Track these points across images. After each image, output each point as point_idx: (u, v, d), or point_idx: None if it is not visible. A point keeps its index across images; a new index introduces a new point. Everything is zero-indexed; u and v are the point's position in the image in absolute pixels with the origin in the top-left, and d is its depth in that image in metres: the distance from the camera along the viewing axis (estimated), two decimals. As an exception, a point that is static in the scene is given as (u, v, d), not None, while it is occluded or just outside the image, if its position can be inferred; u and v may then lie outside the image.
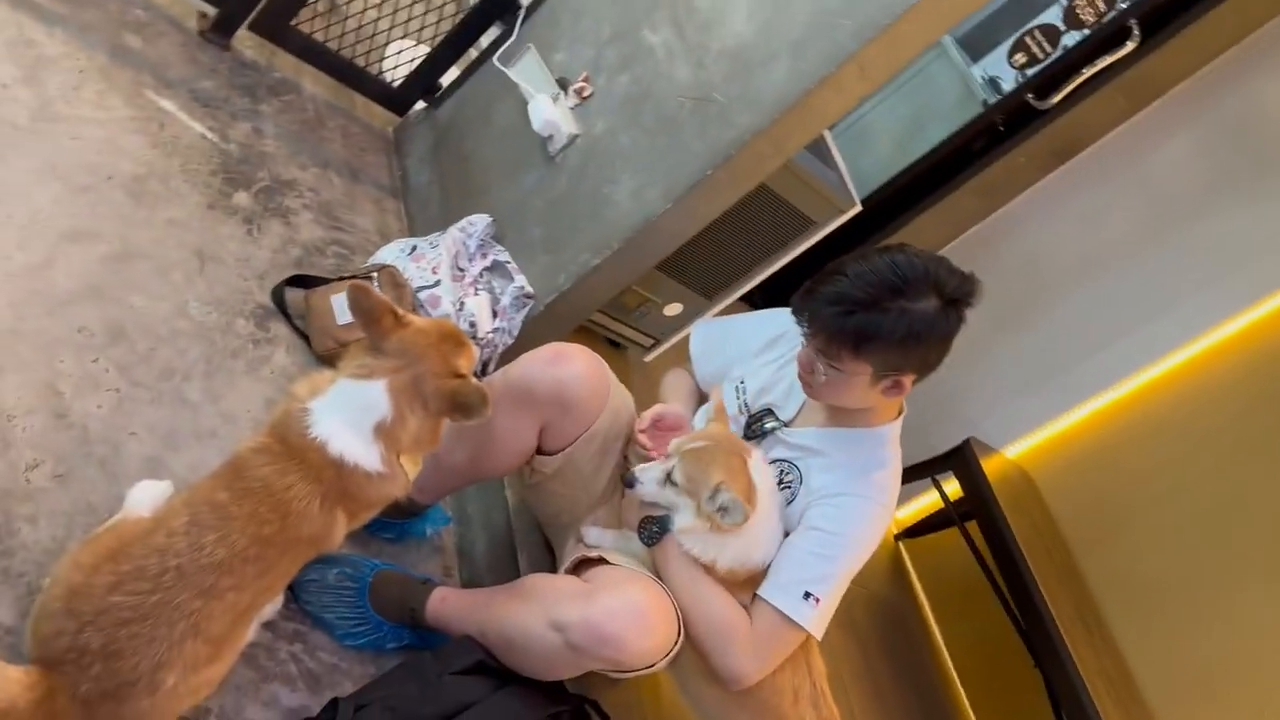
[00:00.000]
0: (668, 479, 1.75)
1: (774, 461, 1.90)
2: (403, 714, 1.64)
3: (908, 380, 1.74)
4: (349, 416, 1.50)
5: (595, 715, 1.88)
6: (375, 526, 2.04)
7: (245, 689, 1.68)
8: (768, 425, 1.94)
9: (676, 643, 1.73)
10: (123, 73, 2.31)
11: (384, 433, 1.52)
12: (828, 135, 2.82)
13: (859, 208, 2.72)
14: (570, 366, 1.83)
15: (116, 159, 2.14)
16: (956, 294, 1.67)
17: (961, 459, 3.19)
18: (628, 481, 1.79)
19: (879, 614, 3.42)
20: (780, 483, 1.86)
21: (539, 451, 1.94)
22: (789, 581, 1.75)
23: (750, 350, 2.08)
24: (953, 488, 3.34)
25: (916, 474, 3.42)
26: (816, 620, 1.74)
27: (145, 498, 1.62)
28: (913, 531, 3.77)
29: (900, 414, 1.91)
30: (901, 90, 4.04)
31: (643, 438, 1.89)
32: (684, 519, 1.75)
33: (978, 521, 3.16)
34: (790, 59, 2.02)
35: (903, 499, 3.74)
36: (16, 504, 1.58)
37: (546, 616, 1.68)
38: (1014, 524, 3.03)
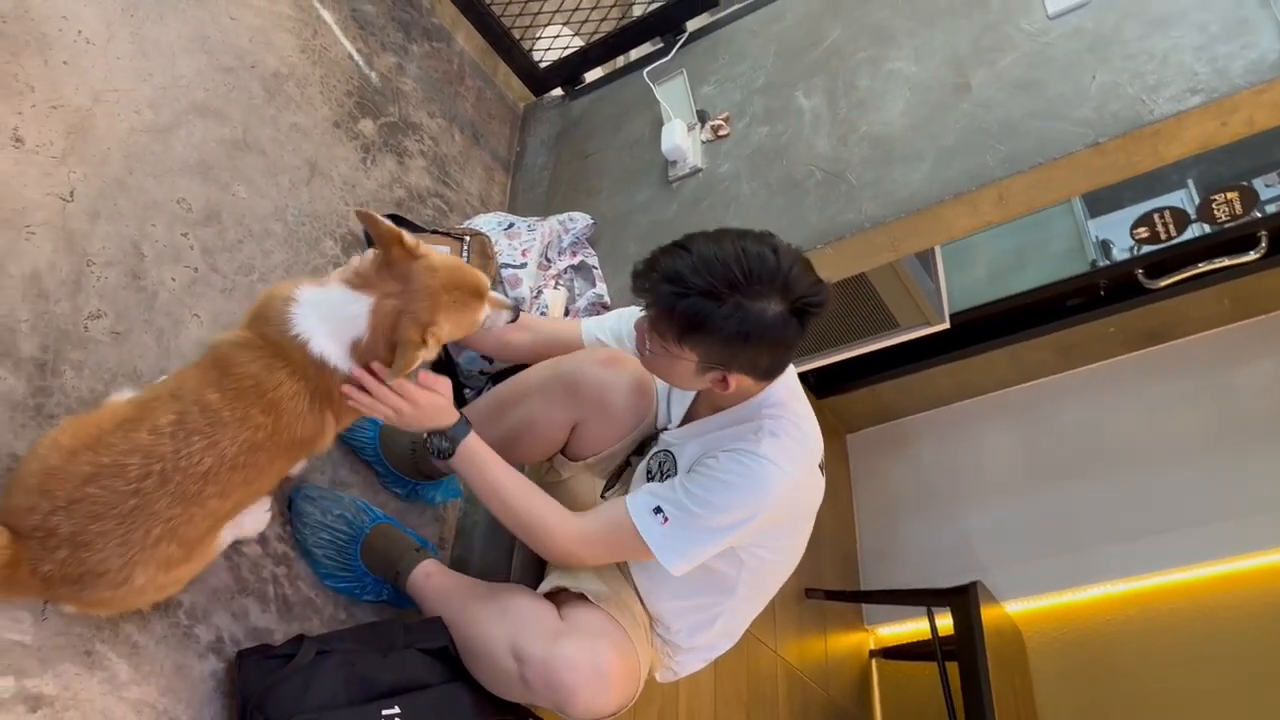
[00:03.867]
0: None
1: (653, 455, 1.82)
2: (360, 672, 1.63)
3: (734, 379, 1.59)
4: (330, 321, 1.45)
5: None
6: (389, 479, 2.03)
7: (220, 594, 1.67)
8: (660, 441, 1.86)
9: (630, 703, 1.71)
10: (296, -28, 2.35)
11: (358, 351, 1.48)
12: (937, 247, 2.81)
13: (946, 325, 2.70)
14: (622, 374, 1.82)
15: (264, 51, 2.17)
16: (803, 302, 1.52)
17: (963, 599, 3.14)
18: None
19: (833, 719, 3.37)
20: (659, 474, 1.77)
21: (563, 452, 1.92)
22: (645, 492, 1.68)
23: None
24: (944, 623, 3.28)
25: (911, 600, 3.37)
26: (661, 538, 1.62)
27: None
28: (889, 653, 3.71)
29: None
30: (1014, 224, 4.02)
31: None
32: None
33: (959, 664, 3.10)
34: (934, 164, 2.01)
35: (890, 620, 3.73)
36: (70, 347, 1.59)
37: (511, 641, 1.67)
38: (994, 679, 2.97)
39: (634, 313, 1.94)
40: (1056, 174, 1.91)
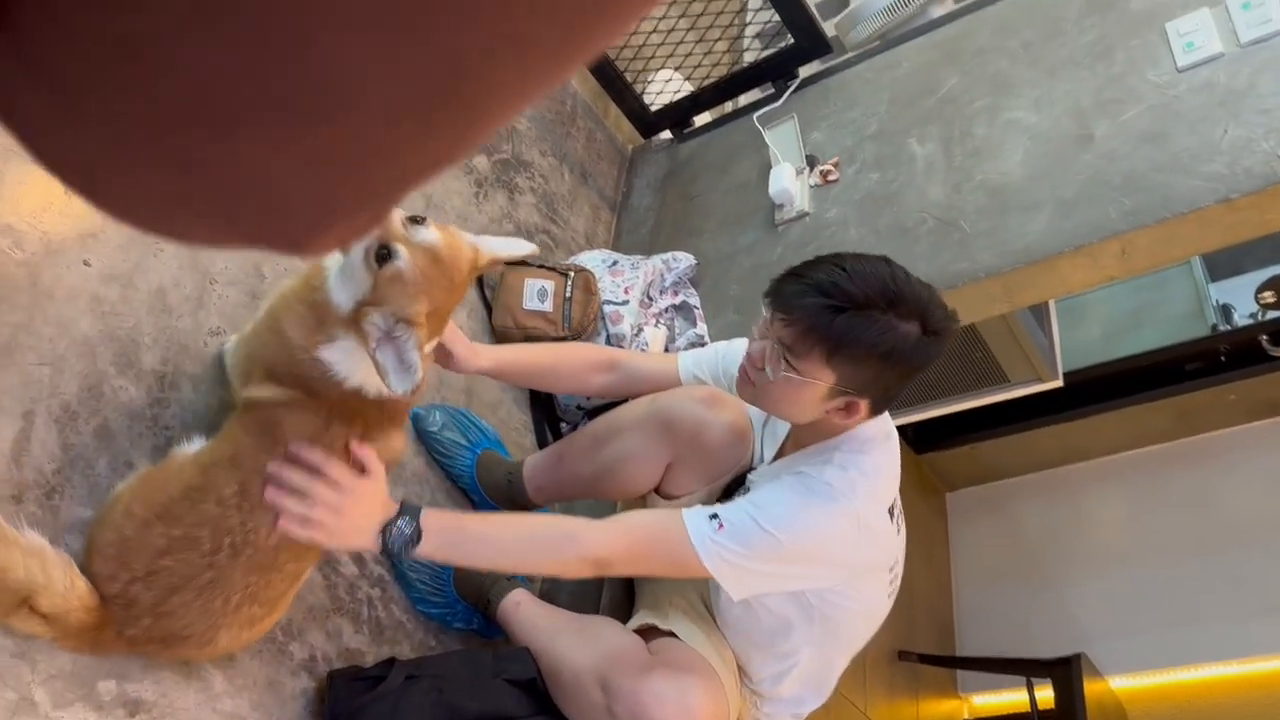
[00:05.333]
0: None
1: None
2: (448, 699, 1.63)
3: (861, 406, 1.54)
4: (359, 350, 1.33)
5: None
6: (484, 508, 2.04)
7: (316, 613, 1.69)
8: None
9: None
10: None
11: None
12: (1052, 302, 2.73)
13: (1059, 382, 2.61)
14: (722, 414, 1.79)
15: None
16: (939, 327, 1.48)
17: (1065, 671, 3.00)
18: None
19: (921, 792, 3.24)
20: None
21: (657, 490, 1.90)
22: (703, 506, 1.58)
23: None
24: (1044, 695, 3.13)
25: (1010, 669, 3.23)
26: (711, 544, 1.50)
27: None
28: (981, 723, 3.57)
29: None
30: (1132, 283, 3.89)
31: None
32: None
33: (1060, 740, 2.96)
34: (1053, 215, 1.95)
35: (986, 689, 3.58)
36: (188, 361, 1.64)
37: (599, 673, 1.64)
38: (1097, 758, 2.83)
39: (733, 348, 1.91)
40: (1184, 229, 1.84)
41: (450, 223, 2.25)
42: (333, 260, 1.34)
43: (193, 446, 1.43)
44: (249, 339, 1.48)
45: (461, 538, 1.51)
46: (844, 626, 1.74)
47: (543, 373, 1.96)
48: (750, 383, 1.59)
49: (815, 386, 1.51)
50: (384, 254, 1.27)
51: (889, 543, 1.64)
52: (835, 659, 1.80)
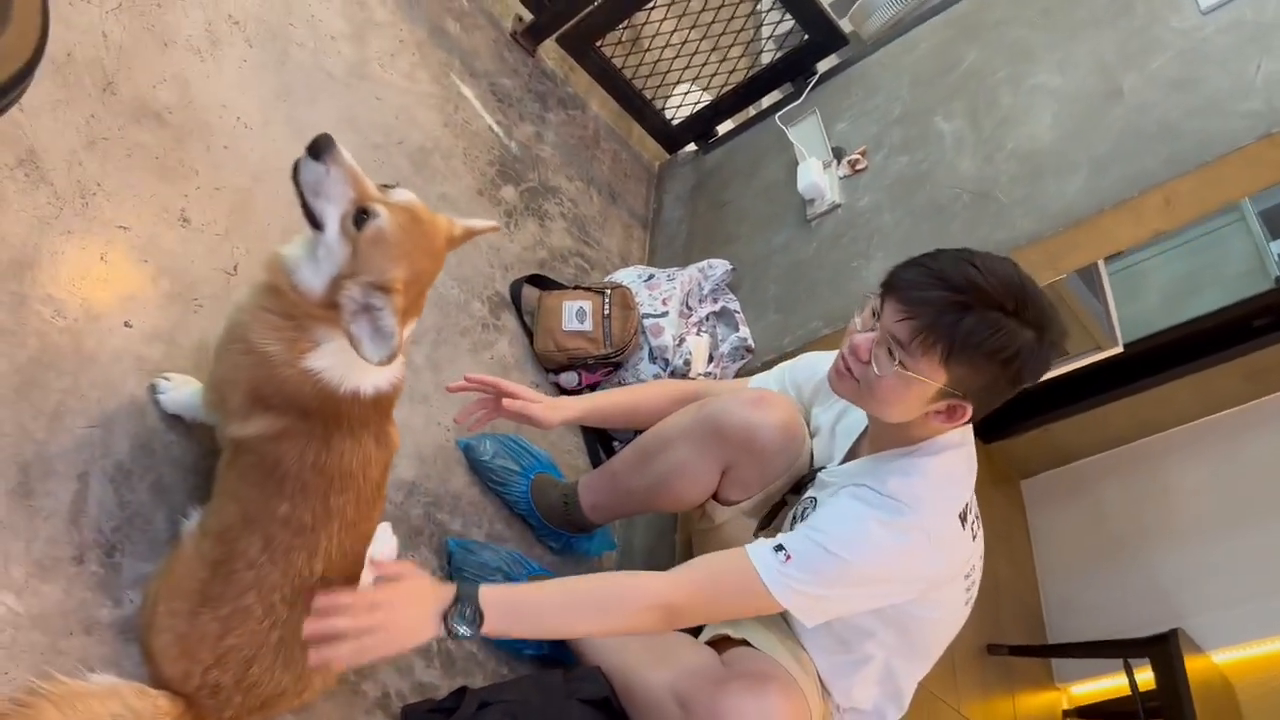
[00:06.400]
0: None
1: (805, 498, 1.69)
2: (521, 723, 1.61)
3: (968, 411, 1.45)
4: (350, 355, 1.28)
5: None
6: (543, 533, 2.03)
7: (385, 649, 1.69)
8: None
9: None
10: (436, 52, 2.46)
11: None
12: (1102, 267, 2.65)
13: (1120, 349, 2.52)
14: (770, 415, 1.75)
15: (409, 128, 2.27)
16: (1056, 338, 1.40)
17: (1164, 649, 2.88)
18: None
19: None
20: (801, 520, 1.62)
21: (715, 497, 1.87)
22: (765, 539, 1.50)
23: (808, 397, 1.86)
24: (1144, 677, 3.01)
25: (1105, 652, 3.12)
26: (780, 575, 1.43)
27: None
28: (1085, 713, 3.43)
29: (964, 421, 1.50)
30: (1187, 246, 3.78)
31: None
32: None
33: (1165, 718, 2.83)
34: (1089, 173, 1.90)
35: (1083, 676, 3.45)
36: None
37: (674, 688, 1.60)
38: (1206, 733, 2.70)
39: (799, 364, 1.89)
40: (1227, 171, 1.77)
41: (483, 254, 2.27)
42: (291, 248, 1.31)
43: (194, 519, 1.41)
44: (218, 368, 1.39)
45: (523, 611, 1.43)
46: (919, 635, 1.68)
47: (626, 413, 1.96)
48: (851, 377, 1.50)
49: (925, 386, 1.42)
50: (363, 216, 1.24)
51: (963, 550, 1.56)
52: (912, 667, 1.73)
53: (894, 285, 1.44)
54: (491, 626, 1.37)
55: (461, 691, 1.63)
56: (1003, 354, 1.37)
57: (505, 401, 1.80)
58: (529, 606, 1.44)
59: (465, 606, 1.35)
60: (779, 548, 1.46)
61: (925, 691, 2.83)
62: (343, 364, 1.31)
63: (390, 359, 1.26)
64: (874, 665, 1.68)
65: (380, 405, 1.39)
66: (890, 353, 1.42)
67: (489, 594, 1.37)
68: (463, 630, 1.34)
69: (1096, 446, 3.93)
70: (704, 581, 1.49)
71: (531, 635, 1.47)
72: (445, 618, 1.34)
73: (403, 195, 1.31)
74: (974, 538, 1.57)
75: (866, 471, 1.55)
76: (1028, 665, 3.37)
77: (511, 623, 1.41)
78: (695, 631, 1.87)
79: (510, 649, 1.87)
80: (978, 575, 1.67)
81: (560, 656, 1.88)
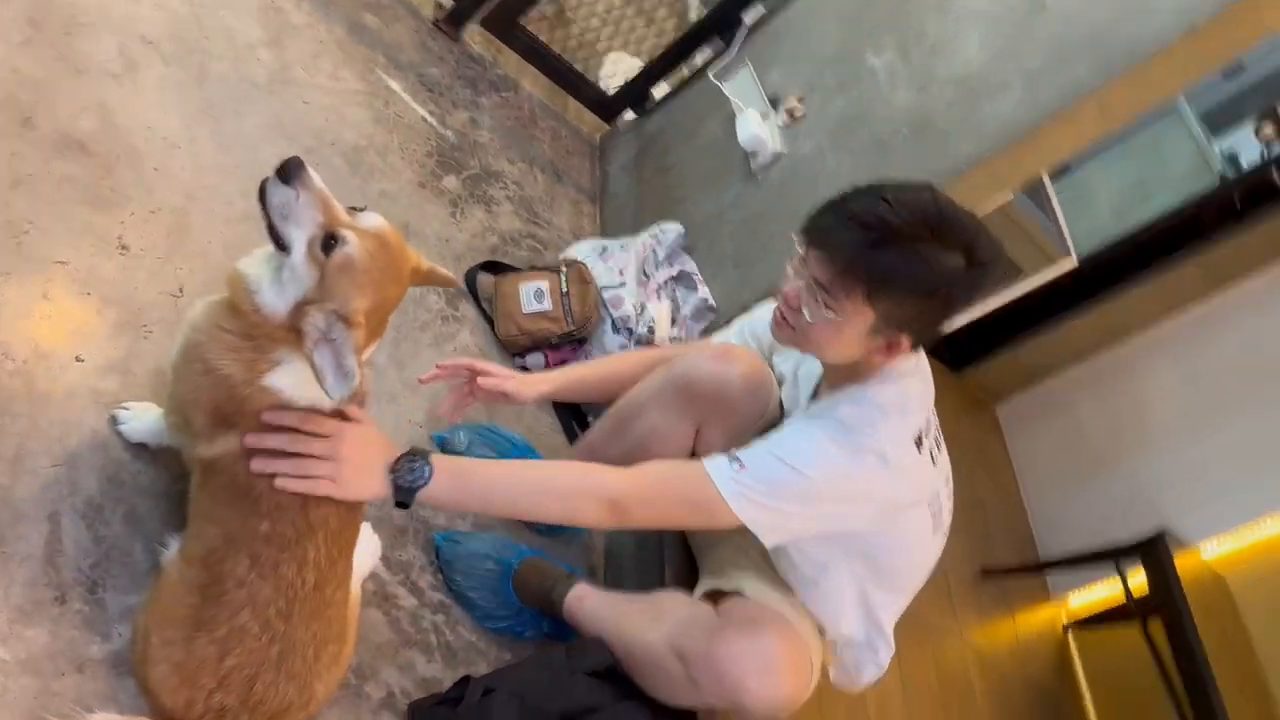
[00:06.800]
0: None
1: None
2: (530, 705, 1.61)
3: (904, 342, 1.46)
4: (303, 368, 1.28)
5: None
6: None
7: (384, 650, 1.69)
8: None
9: (806, 693, 1.64)
10: (358, 49, 2.43)
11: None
12: (1049, 183, 2.67)
13: (1074, 261, 2.55)
14: (736, 367, 1.74)
15: (340, 128, 2.24)
16: (985, 257, 1.39)
17: (1153, 550, 2.93)
18: None
19: (1037, 701, 3.18)
20: None
21: (692, 456, 1.87)
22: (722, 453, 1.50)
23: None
24: (1138, 581, 3.06)
25: (1096, 560, 3.16)
26: (734, 484, 1.43)
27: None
28: (1084, 623, 3.49)
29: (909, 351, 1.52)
30: (1129, 154, 3.81)
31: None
32: None
33: (1162, 620, 2.88)
34: (1023, 90, 1.91)
35: (1079, 587, 3.50)
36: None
37: (671, 643, 1.62)
38: (1202, 627, 2.75)
39: (755, 315, 1.90)
40: (1155, 70, 1.79)
41: (434, 246, 2.25)
42: (254, 267, 1.28)
43: (174, 547, 1.39)
44: (177, 389, 1.35)
45: (473, 480, 1.46)
46: (889, 564, 1.69)
47: (599, 383, 1.95)
48: (788, 325, 1.52)
49: (855, 326, 1.43)
50: (331, 242, 1.22)
51: (920, 475, 1.56)
52: (887, 599, 1.74)
53: (810, 231, 1.45)
54: (439, 486, 1.38)
55: (465, 680, 1.63)
56: (924, 285, 1.38)
57: (480, 380, 1.79)
58: (479, 478, 1.46)
59: (416, 460, 1.37)
60: (734, 458, 1.47)
61: (926, 623, 2.88)
62: (303, 381, 1.29)
63: (350, 395, 1.25)
64: (850, 593, 1.70)
65: (344, 416, 1.38)
66: (817, 298, 1.43)
67: (439, 460, 1.40)
68: (410, 479, 1.36)
69: (1065, 363, 3.97)
70: (657, 482, 1.51)
71: (477, 508, 1.48)
72: (394, 470, 1.36)
73: (372, 220, 1.29)
74: (934, 463, 1.58)
75: (820, 407, 1.56)
76: (1023, 584, 3.42)
77: (459, 487, 1.43)
78: (694, 581, 1.88)
79: (509, 632, 1.87)
80: (946, 503, 1.68)
81: (561, 634, 1.88)
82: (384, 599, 1.74)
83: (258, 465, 1.27)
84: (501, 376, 1.81)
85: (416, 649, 1.73)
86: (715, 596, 1.80)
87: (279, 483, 1.29)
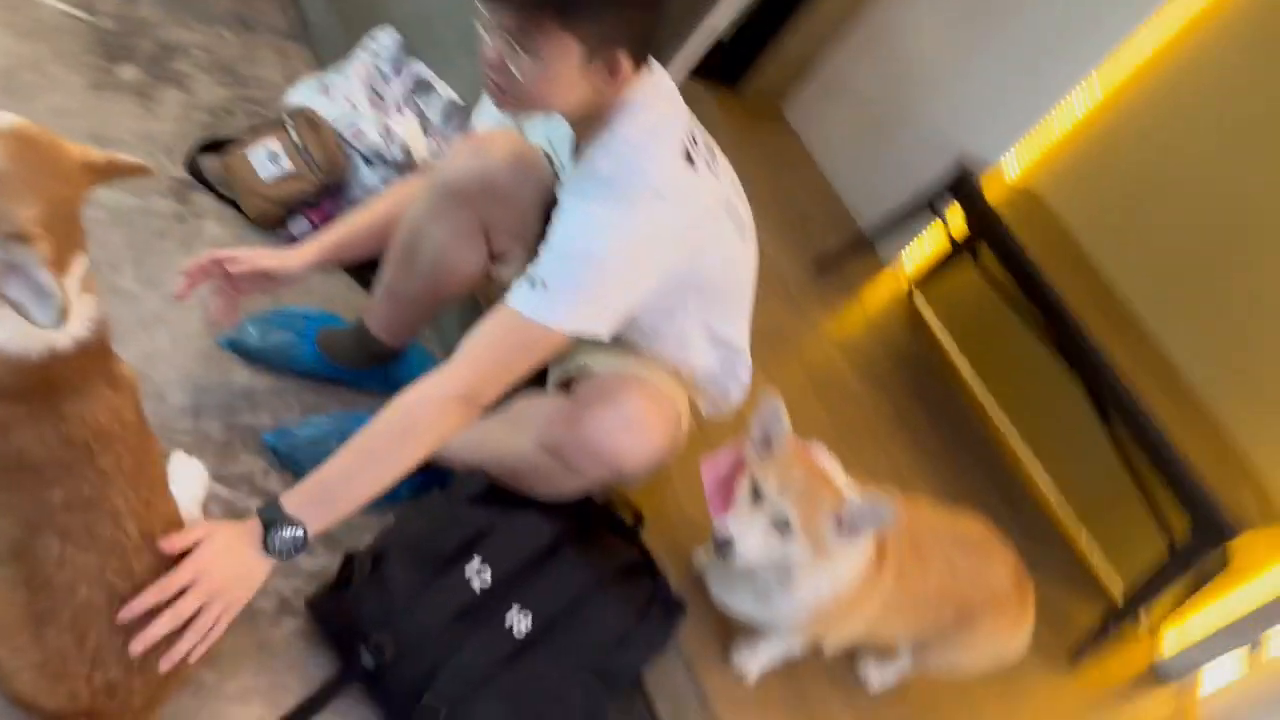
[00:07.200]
0: (775, 526, 1.49)
1: None
2: (423, 552, 1.57)
3: (622, 60, 1.39)
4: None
5: (626, 514, 1.82)
6: (355, 380, 1.93)
7: (259, 565, 1.60)
8: None
9: (682, 438, 1.66)
10: (-47, -39, 2.08)
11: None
12: None
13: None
14: (492, 151, 1.65)
15: (-28, 55, 1.94)
16: None
17: (961, 185, 3.02)
18: (719, 543, 1.49)
19: (904, 366, 3.34)
20: None
21: (493, 260, 1.79)
22: (518, 283, 1.45)
23: None
24: (958, 224, 3.19)
25: (910, 212, 3.25)
26: (547, 304, 1.39)
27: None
28: (924, 279, 3.64)
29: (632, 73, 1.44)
30: None
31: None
32: (800, 553, 1.51)
33: (989, 247, 3.02)
34: None
35: (906, 244, 3.61)
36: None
37: (540, 442, 1.61)
38: (1023, 238, 2.89)
39: (485, 99, 1.76)
40: None
41: (137, 148, 2.01)
42: None
43: None
44: None
45: (334, 493, 1.36)
46: (714, 285, 1.66)
47: (370, 229, 1.81)
48: (503, 92, 1.42)
49: (565, 62, 1.35)
50: None
51: (703, 189, 1.50)
52: (728, 316, 1.74)
53: None
54: (316, 526, 1.33)
55: (349, 559, 1.57)
56: None
57: (230, 269, 1.64)
58: (335, 484, 1.37)
59: (279, 528, 1.30)
60: (530, 283, 1.41)
61: (780, 333, 2.94)
62: (21, 330, 1.10)
63: (63, 316, 1.07)
64: (693, 329, 1.69)
65: (89, 352, 1.22)
66: (516, 49, 1.33)
67: (291, 501, 1.32)
68: (291, 546, 1.30)
69: (828, 41, 3.95)
70: (482, 354, 1.44)
71: (361, 503, 1.38)
72: (271, 551, 1.29)
73: (4, 117, 1.07)
74: (712, 173, 1.53)
75: (579, 172, 1.48)
76: (858, 264, 3.50)
77: (330, 510, 1.35)
78: (540, 387, 1.84)
79: (387, 500, 1.80)
80: (742, 208, 1.63)
81: (435, 480, 1.83)
82: (238, 515, 1.63)
83: (166, 666, 1.22)
84: (252, 257, 1.67)
85: (294, 549, 1.66)
86: (567, 384, 1.77)
87: (192, 660, 1.23)
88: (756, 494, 1.50)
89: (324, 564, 1.65)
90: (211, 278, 1.67)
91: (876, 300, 3.57)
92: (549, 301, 1.39)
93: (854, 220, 3.70)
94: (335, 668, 1.54)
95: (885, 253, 3.68)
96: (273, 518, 1.30)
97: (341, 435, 1.75)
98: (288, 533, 1.30)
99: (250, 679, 1.47)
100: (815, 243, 3.39)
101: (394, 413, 1.41)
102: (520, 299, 1.41)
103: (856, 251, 3.39)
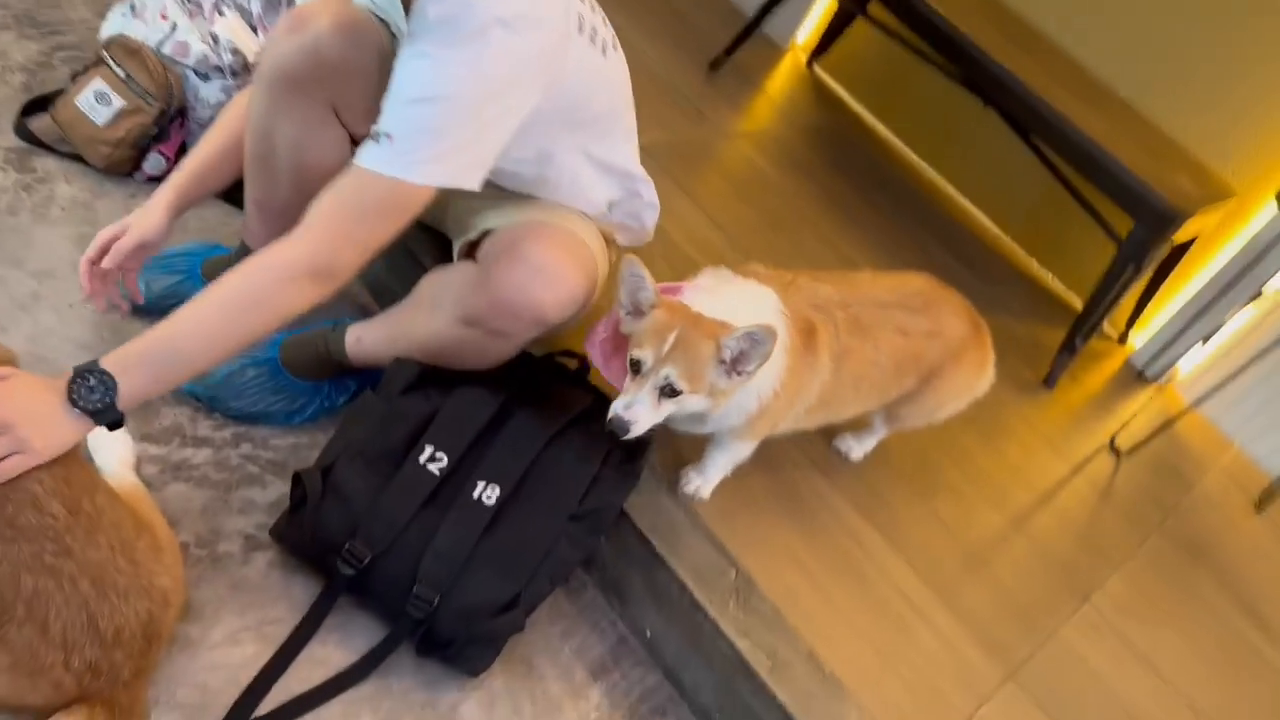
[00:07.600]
0: (663, 392, 1.42)
1: None
2: (371, 454, 1.53)
3: None
4: None
5: (570, 361, 1.78)
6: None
7: (212, 508, 1.57)
8: None
9: (601, 272, 1.62)
10: None
11: None
12: None
13: None
14: (314, 25, 1.52)
15: None
16: None
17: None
18: (616, 430, 1.42)
19: (821, 145, 3.26)
20: None
21: (354, 141, 1.67)
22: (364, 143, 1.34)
23: None
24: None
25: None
26: (398, 157, 1.29)
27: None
28: (820, 50, 3.51)
29: None
30: None
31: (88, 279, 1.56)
32: (698, 404, 1.46)
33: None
34: None
35: (793, 17, 3.46)
36: None
37: (458, 315, 1.55)
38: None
39: None
40: None
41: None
42: None
43: None
44: None
45: (159, 355, 1.25)
46: (588, 115, 1.56)
47: (222, 157, 1.69)
48: None
49: None
50: None
51: (546, 8, 1.36)
52: (612, 143, 1.66)
53: None
54: (132, 383, 1.21)
55: (296, 478, 1.53)
56: None
57: (107, 260, 1.57)
58: (163, 348, 1.25)
59: (88, 379, 1.18)
60: (378, 136, 1.30)
61: (687, 141, 2.84)
62: None
63: None
64: (580, 164, 1.61)
65: None
66: None
67: (111, 358, 1.20)
68: (96, 399, 1.18)
69: None
70: (334, 220, 1.32)
71: (186, 376, 1.28)
72: (75, 402, 1.17)
73: None
74: None
75: (413, 26, 1.34)
76: (751, 55, 3.36)
77: (152, 374, 1.24)
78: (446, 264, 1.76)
79: (323, 412, 1.78)
80: (594, 18, 1.49)
81: (366, 383, 1.77)
82: (176, 469, 1.59)
83: None
84: (117, 232, 1.57)
85: (244, 486, 1.62)
86: (471, 251, 1.70)
87: None
88: (637, 366, 1.44)
89: (282, 492, 1.61)
90: (109, 277, 1.60)
91: (778, 86, 3.46)
92: (396, 154, 1.29)
93: (736, 8, 3.53)
94: (320, 587, 1.52)
95: (777, 34, 3.54)
96: (87, 369, 1.19)
97: (255, 361, 1.71)
98: (94, 381, 1.18)
99: (236, 620, 1.45)
100: (703, 42, 3.25)
101: (240, 279, 1.29)
102: (368, 155, 1.30)
103: (747, 41, 3.25)
